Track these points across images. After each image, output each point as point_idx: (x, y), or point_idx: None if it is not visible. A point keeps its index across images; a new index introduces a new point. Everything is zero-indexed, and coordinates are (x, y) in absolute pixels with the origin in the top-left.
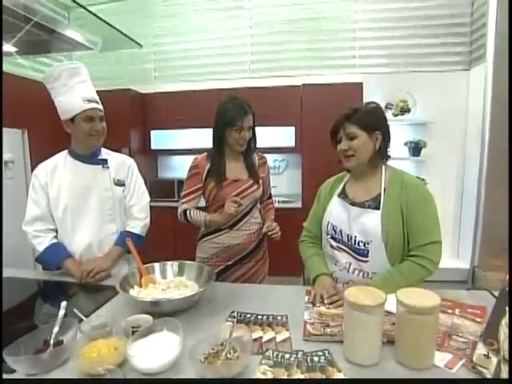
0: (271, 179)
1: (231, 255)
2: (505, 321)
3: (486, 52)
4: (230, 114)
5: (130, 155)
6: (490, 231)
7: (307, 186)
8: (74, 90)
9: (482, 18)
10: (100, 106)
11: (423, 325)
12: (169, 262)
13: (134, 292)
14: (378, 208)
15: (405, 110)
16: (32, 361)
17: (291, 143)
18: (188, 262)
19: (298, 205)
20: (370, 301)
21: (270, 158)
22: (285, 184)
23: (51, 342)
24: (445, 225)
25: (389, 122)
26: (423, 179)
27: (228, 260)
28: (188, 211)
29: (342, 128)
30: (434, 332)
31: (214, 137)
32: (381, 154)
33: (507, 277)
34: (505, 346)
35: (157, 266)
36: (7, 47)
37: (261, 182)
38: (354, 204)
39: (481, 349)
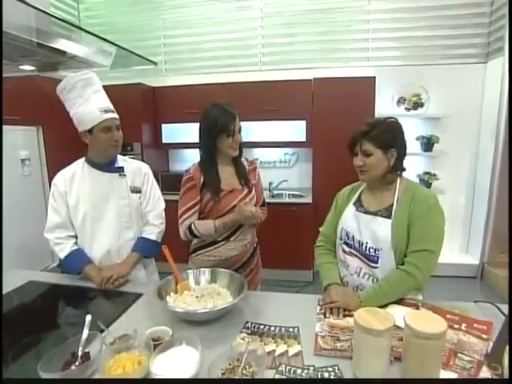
0: (281, 174)
1: (227, 267)
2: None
3: (504, 44)
4: (220, 120)
5: (141, 149)
6: (500, 228)
7: (318, 181)
8: (90, 101)
9: (503, 7)
10: (116, 115)
11: (429, 349)
12: (201, 269)
13: (171, 299)
14: (389, 217)
15: (418, 105)
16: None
17: (302, 137)
18: (220, 269)
19: (309, 200)
20: (379, 325)
21: (281, 152)
22: (295, 178)
23: (79, 354)
24: (455, 220)
25: (401, 117)
26: (434, 174)
27: None
28: (193, 225)
29: (359, 144)
30: (439, 355)
31: (204, 148)
32: (395, 169)
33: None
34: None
35: (190, 272)
36: (25, 66)
37: (254, 189)
38: (367, 212)
39: (485, 372)
